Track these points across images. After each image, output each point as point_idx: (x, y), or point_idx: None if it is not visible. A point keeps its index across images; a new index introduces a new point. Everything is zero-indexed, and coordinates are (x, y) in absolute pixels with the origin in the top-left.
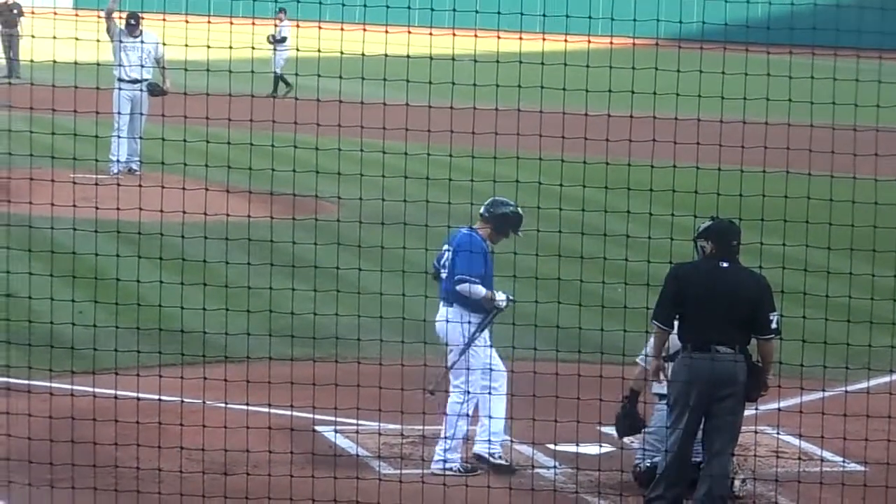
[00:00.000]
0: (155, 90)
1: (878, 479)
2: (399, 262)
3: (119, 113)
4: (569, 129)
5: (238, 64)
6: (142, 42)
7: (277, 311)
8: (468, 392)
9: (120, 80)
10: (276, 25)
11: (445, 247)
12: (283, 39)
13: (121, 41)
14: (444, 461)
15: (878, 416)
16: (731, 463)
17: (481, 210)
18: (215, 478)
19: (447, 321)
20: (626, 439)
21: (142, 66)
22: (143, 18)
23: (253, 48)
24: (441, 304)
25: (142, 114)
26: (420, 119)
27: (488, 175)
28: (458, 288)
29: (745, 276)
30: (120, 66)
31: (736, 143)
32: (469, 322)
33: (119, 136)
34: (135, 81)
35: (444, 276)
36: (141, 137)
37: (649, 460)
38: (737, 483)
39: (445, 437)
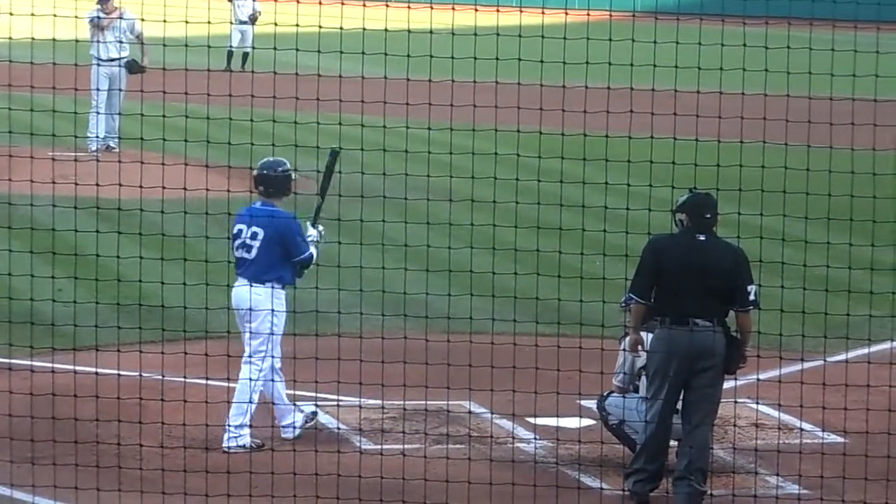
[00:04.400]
0: (133, 67)
1: (857, 449)
2: (378, 236)
3: (97, 89)
4: (546, 102)
5: (216, 40)
6: (120, 18)
7: None
8: (259, 370)
9: (98, 58)
10: None
11: (244, 226)
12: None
13: (99, 18)
14: (233, 438)
15: (856, 385)
16: (711, 435)
17: (262, 185)
18: (196, 454)
19: (251, 307)
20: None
21: (120, 43)
22: None
23: (231, 23)
24: (244, 282)
25: (120, 90)
26: (398, 93)
27: (466, 148)
28: (304, 268)
29: (722, 249)
30: (97, 42)
31: (713, 115)
32: (278, 304)
33: (98, 113)
34: (112, 60)
35: (251, 257)
36: (119, 114)
37: (616, 419)
38: None
39: (245, 413)
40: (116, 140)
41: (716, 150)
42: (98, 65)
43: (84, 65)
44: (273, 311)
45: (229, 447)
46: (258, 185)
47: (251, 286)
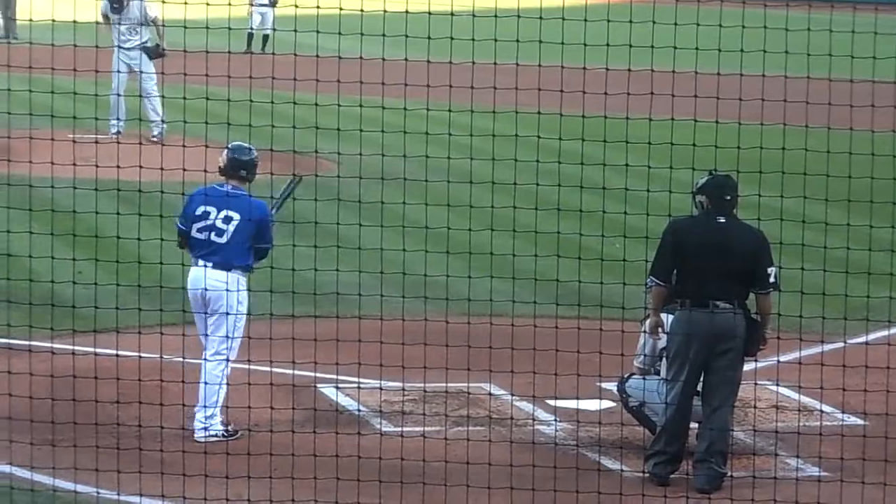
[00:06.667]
0: (152, 52)
1: (877, 431)
2: (399, 218)
3: (118, 72)
4: (567, 84)
5: (237, 22)
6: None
7: (278, 269)
8: (228, 360)
9: (116, 44)
10: None
11: (213, 209)
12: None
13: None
14: (206, 428)
15: (876, 367)
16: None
17: (242, 170)
18: None
19: (227, 288)
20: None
21: (141, 25)
22: None
23: (251, 5)
24: (209, 266)
25: (142, 72)
26: (419, 75)
27: (487, 131)
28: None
29: (742, 231)
30: (114, 26)
31: (734, 97)
32: (242, 290)
33: (118, 96)
34: (129, 48)
35: (223, 241)
36: (161, 97)
37: (636, 401)
38: None
39: (206, 405)
40: (160, 124)
41: (736, 133)
42: (118, 48)
43: (105, 47)
44: (238, 289)
45: (199, 438)
46: (237, 169)
47: (227, 272)
